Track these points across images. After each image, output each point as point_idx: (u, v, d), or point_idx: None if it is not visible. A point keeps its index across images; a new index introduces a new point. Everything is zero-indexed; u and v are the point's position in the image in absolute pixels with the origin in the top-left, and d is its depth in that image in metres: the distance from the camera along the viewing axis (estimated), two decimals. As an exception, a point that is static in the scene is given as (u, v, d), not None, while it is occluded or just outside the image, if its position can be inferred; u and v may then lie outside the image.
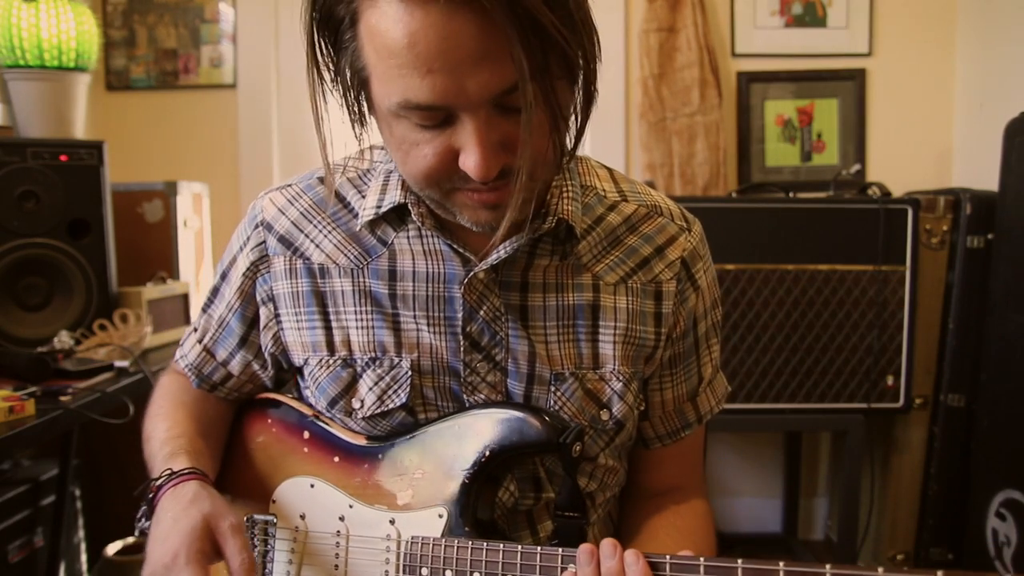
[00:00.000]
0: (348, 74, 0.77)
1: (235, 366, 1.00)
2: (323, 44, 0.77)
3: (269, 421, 0.99)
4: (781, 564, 0.67)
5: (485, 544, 0.80)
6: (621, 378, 0.90)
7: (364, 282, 0.90)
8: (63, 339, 1.77)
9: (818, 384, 2.15)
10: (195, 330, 1.03)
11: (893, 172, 2.56)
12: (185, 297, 2.17)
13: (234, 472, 0.99)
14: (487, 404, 0.87)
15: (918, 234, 2.14)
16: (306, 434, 0.94)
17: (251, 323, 0.97)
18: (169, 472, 0.86)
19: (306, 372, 0.94)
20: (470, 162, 0.72)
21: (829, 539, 2.73)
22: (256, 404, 1.01)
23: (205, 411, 1.01)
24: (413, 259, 0.89)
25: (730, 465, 2.79)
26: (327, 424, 0.94)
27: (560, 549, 0.77)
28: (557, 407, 0.88)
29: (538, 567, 0.77)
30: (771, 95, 2.67)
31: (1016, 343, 1.91)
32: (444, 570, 0.81)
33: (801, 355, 2.15)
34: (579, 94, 0.79)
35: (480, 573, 0.79)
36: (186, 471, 0.86)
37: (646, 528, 0.96)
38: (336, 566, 0.88)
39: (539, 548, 0.78)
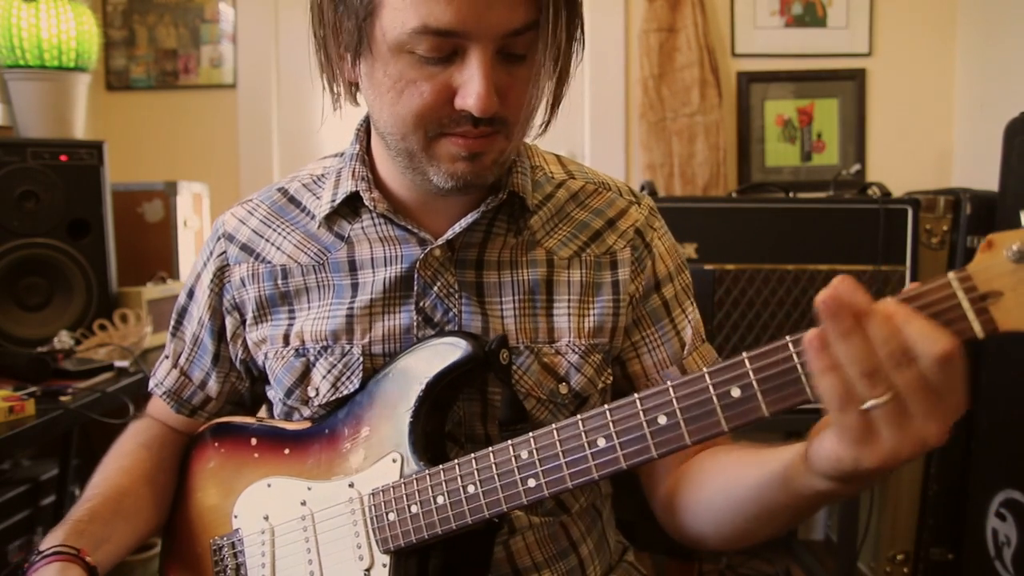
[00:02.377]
0: (356, 4, 0.77)
1: (213, 386, 1.01)
2: None
3: (216, 444, 0.98)
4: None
5: (440, 467, 0.80)
6: (577, 350, 0.90)
7: (326, 277, 0.92)
8: (63, 339, 1.77)
9: (818, 384, 2.15)
10: (167, 357, 1.04)
11: (893, 172, 2.56)
12: (185, 297, 2.17)
13: (191, 506, 0.98)
14: (407, 348, 0.87)
15: (918, 234, 2.14)
16: (253, 441, 0.95)
17: (220, 337, 0.98)
18: (37, 553, 0.83)
19: (266, 368, 0.95)
20: (471, 96, 0.75)
21: (829, 539, 2.73)
22: (200, 436, 1.00)
23: (149, 459, 0.99)
24: (371, 247, 0.91)
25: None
26: (271, 422, 0.95)
27: (508, 441, 0.76)
28: (514, 381, 0.88)
29: (493, 465, 0.77)
30: (771, 95, 2.67)
31: (1016, 343, 1.91)
32: (409, 506, 0.81)
33: (801, 355, 2.14)
34: (556, 69, 0.81)
35: (443, 495, 0.79)
36: (51, 552, 0.82)
37: (699, 473, 0.86)
38: (308, 549, 0.88)
39: (490, 448, 0.77)
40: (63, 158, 1.85)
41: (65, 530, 0.86)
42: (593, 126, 2.67)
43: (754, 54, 2.67)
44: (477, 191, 0.85)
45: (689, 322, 0.98)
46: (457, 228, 0.87)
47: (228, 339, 0.97)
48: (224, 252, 0.96)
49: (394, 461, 0.83)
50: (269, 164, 2.71)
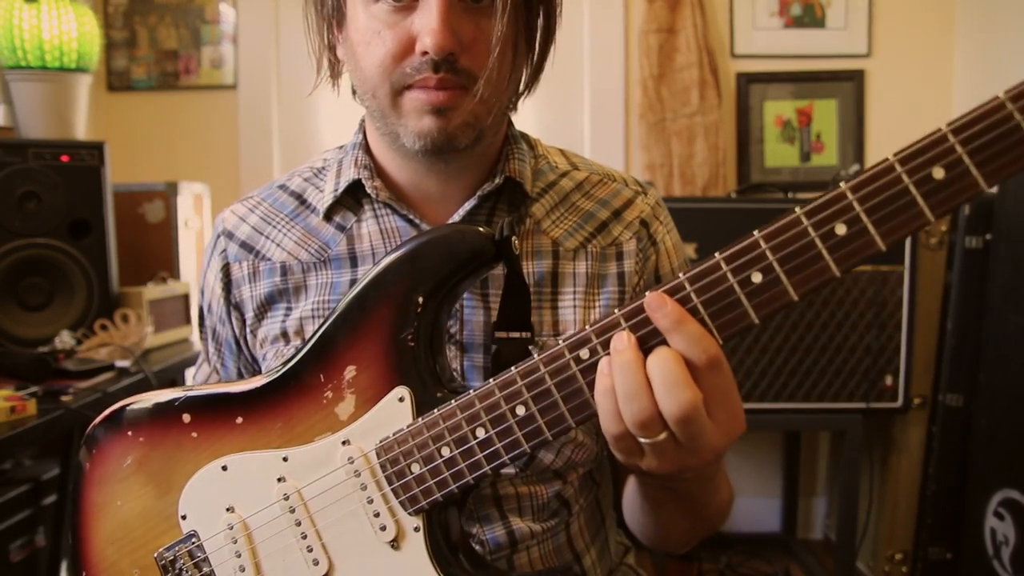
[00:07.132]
0: None
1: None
2: None
3: (130, 434, 0.80)
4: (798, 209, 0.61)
5: (472, 393, 0.67)
6: None
7: (327, 274, 0.90)
8: (64, 339, 1.77)
9: (817, 384, 2.16)
10: (205, 361, 1.02)
11: (892, 172, 2.57)
12: (186, 297, 2.17)
13: (107, 523, 0.81)
14: (390, 252, 0.73)
15: (917, 234, 2.15)
16: (186, 418, 0.77)
17: (235, 334, 0.96)
18: None
19: (263, 368, 0.93)
20: (426, 34, 0.75)
21: (828, 538, 2.74)
22: (92, 435, 0.84)
23: None
24: (371, 241, 0.90)
25: (729, 464, 2.77)
26: (206, 388, 0.78)
27: (561, 343, 0.65)
28: None
29: (547, 375, 0.65)
30: (770, 96, 2.68)
31: (1014, 343, 1.92)
32: (440, 450, 0.67)
33: (800, 355, 2.15)
34: (539, 32, 0.82)
35: (484, 427, 0.66)
36: None
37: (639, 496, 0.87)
38: (304, 535, 0.72)
39: (512, 369, 0.66)
40: (64, 159, 1.86)
41: None
42: (593, 126, 2.67)
43: (753, 55, 2.67)
44: (451, 155, 0.82)
45: None
46: (456, 217, 0.87)
47: (243, 338, 0.96)
48: (224, 250, 0.95)
49: (401, 400, 0.70)
50: (269, 164, 2.72)
